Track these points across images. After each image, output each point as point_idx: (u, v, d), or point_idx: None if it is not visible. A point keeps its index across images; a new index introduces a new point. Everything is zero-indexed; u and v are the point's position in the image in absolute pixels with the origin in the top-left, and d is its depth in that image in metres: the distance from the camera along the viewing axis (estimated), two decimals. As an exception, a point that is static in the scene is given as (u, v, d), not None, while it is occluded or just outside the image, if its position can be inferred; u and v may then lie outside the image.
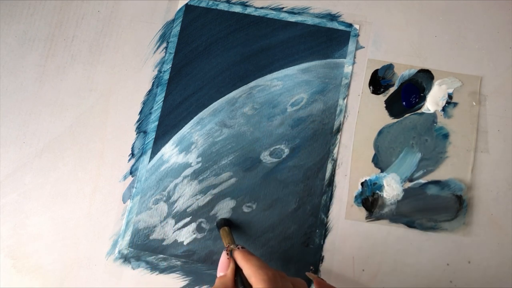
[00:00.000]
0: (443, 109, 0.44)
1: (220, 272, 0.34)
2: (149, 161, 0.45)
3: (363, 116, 0.45)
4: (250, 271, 0.31)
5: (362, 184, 0.43)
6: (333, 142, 0.44)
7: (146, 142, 0.45)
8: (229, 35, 0.47)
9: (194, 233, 0.43)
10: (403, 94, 0.45)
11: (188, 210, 0.44)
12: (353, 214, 0.43)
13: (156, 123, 0.46)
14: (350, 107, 0.45)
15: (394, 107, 0.45)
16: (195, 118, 0.46)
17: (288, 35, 0.46)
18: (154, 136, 0.45)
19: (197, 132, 0.45)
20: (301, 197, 0.43)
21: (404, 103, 0.44)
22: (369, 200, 0.43)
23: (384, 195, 0.43)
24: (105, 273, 0.43)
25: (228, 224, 0.42)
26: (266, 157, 0.44)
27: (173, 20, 0.48)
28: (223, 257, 0.34)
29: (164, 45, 0.47)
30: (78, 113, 0.46)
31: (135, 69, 0.47)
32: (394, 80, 0.45)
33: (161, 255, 0.43)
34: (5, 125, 0.46)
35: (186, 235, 0.43)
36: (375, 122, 0.44)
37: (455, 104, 0.44)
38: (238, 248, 0.34)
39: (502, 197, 0.43)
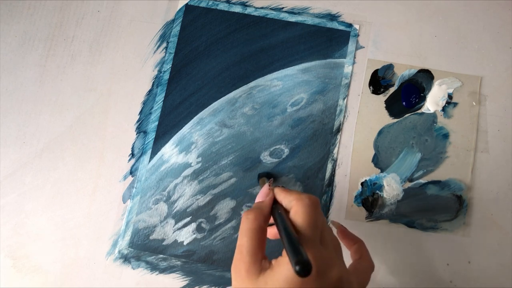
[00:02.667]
0: (443, 109, 0.44)
1: (258, 199, 0.34)
2: (149, 161, 0.45)
3: (363, 116, 0.45)
4: (291, 198, 0.30)
5: (362, 184, 0.43)
6: (333, 142, 0.44)
7: (146, 142, 0.45)
8: (229, 35, 0.47)
9: (194, 233, 0.43)
10: (403, 94, 0.45)
11: (188, 210, 0.44)
12: (353, 214, 0.43)
13: (156, 123, 0.46)
14: (350, 107, 0.45)
15: (394, 107, 0.45)
16: (195, 118, 0.46)
17: (288, 35, 0.46)
18: (154, 136, 0.45)
19: (197, 132, 0.45)
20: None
21: (404, 103, 0.44)
22: (369, 200, 0.43)
23: (384, 195, 0.43)
24: (105, 273, 0.43)
25: (268, 176, 0.43)
26: (266, 157, 0.44)
27: (173, 20, 0.48)
28: (265, 187, 0.35)
29: (164, 45, 0.47)
30: (78, 113, 0.46)
31: (135, 69, 0.47)
32: (394, 80, 0.45)
33: (161, 255, 0.43)
34: (5, 125, 0.46)
35: (186, 235, 0.43)
36: (375, 122, 0.44)
37: (455, 104, 0.44)
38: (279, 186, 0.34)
39: (502, 197, 0.43)
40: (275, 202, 0.32)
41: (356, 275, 0.32)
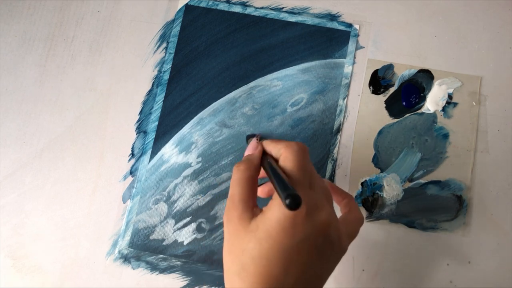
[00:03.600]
0: (443, 109, 0.44)
1: (247, 153, 0.34)
2: (149, 161, 0.45)
3: (363, 116, 0.45)
4: (280, 146, 0.31)
5: (362, 184, 0.43)
6: (333, 142, 0.44)
7: (146, 142, 0.45)
8: (229, 35, 0.47)
9: (194, 233, 0.43)
10: (403, 94, 0.45)
11: (188, 210, 0.44)
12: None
13: (156, 123, 0.46)
14: (350, 107, 0.45)
15: (394, 107, 0.45)
16: (195, 118, 0.46)
17: (288, 35, 0.46)
18: (154, 136, 0.45)
19: (197, 132, 0.45)
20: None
21: (404, 103, 0.44)
22: (369, 200, 0.43)
23: (384, 195, 0.43)
24: (105, 273, 0.43)
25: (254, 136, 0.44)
26: (266, 157, 0.44)
27: (173, 20, 0.48)
28: (253, 141, 0.35)
29: (164, 45, 0.47)
30: (78, 113, 0.46)
31: (135, 69, 0.47)
32: (394, 80, 0.45)
33: (161, 255, 0.43)
34: (5, 125, 0.46)
35: (186, 235, 0.43)
36: (375, 122, 0.44)
37: (455, 104, 0.44)
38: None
39: (502, 197, 0.43)
40: (264, 154, 0.33)
41: (345, 225, 0.32)
